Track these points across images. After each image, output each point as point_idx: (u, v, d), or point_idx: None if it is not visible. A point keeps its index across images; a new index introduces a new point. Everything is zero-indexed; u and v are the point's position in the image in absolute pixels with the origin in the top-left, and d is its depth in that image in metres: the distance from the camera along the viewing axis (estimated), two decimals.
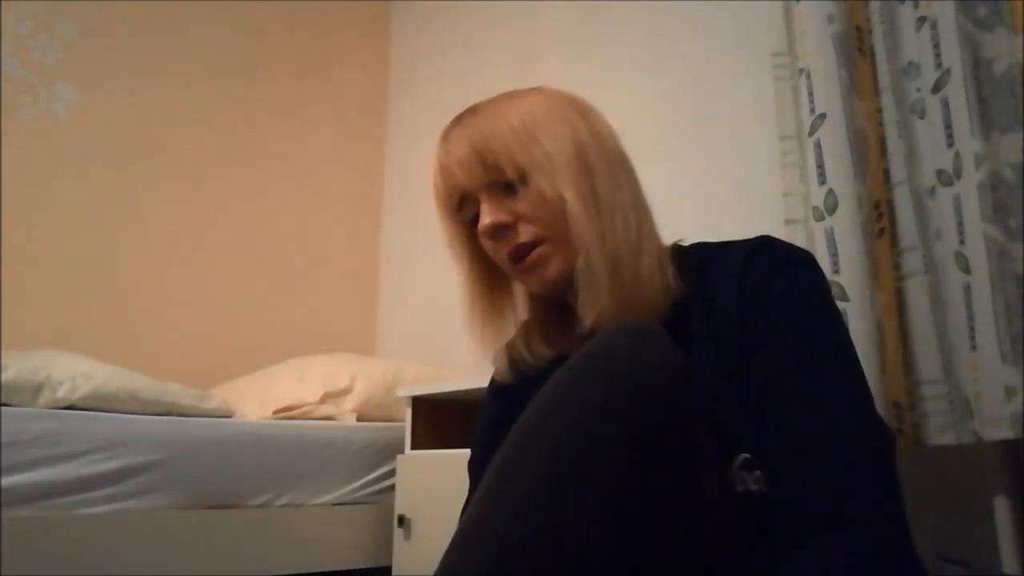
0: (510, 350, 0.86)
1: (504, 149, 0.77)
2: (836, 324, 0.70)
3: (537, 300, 0.86)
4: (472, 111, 0.82)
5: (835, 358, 0.67)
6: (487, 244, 0.80)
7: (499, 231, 0.77)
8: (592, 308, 0.73)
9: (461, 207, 0.81)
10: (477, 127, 0.79)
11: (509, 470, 0.57)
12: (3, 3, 2.22)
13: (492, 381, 0.91)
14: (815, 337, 0.67)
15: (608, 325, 0.65)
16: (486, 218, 0.77)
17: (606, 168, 0.79)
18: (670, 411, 0.58)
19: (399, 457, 1.77)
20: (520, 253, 0.77)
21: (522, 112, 0.79)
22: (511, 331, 0.87)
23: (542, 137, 0.77)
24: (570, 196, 0.75)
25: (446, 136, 0.82)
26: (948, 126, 1.05)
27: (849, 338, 0.70)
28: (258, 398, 1.94)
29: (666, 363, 0.60)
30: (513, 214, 0.77)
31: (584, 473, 0.55)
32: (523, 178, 0.77)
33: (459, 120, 0.82)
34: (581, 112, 0.83)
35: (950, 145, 1.05)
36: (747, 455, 0.66)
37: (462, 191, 0.80)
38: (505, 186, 0.77)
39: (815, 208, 1.17)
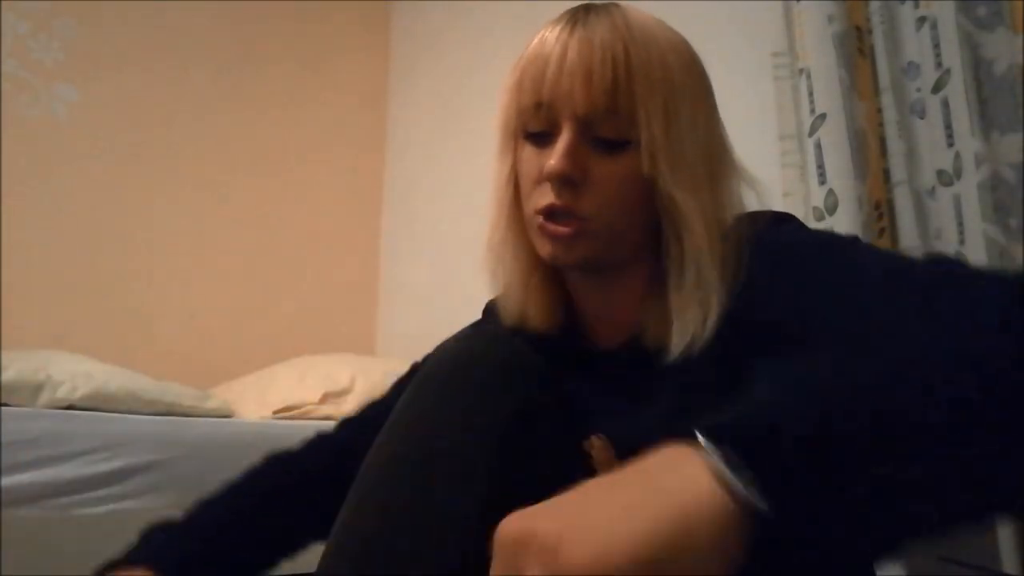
0: (509, 301, 0.74)
1: (641, 99, 0.63)
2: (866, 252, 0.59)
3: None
4: (627, 26, 0.65)
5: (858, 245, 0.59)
6: (530, 174, 0.67)
7: (562, 183, 0.64)
8: (684, 336, 0.62)
9: (537, 111, 0.66)
10: (627, 47, 0.64)
11: (384, 482, 0.59)
12: (3, 3, 2.22)
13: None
14: (819, 244, 0.60)
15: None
16: (560, 159, 0.63)
17: (734, 177, 0.69)
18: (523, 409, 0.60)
19: None
20: (556, 212, 0.64)
21: (673, 63, 0.66)
22: (526, 270, 0.73)
23: (680, 110, 0.65)
24: (686, 200, 0.63)
25: (594, 16, 0.66)
26: (948, 126, 1.05)
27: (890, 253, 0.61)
28: (258, 398, 1.94)
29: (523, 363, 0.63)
30: (587, 174, 0.64)
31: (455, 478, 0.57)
32: (632, 143, 0.64)
33: (609, 20, 0.65)
34: (711, 97, 0.70)
35: (950, 145, 1.05)
36: None
37: (553, 102, 0.65)
38: (602, 140, 0.64)
39: (815, 208, 1.17)
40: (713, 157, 0.68)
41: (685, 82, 0.66)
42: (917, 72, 1.12)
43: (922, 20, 1.10)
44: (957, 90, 1.03)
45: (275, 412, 1.87)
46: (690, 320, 0.62)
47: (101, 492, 1.46)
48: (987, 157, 1.00)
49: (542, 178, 0.65)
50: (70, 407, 1.53)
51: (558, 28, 0.66)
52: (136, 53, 2.44)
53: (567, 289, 0.74)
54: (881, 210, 1.14)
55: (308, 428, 1.92)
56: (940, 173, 1.07)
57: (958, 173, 1.03)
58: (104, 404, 1.57)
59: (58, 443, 1.44)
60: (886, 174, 1.15)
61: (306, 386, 1.94)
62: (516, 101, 0.68)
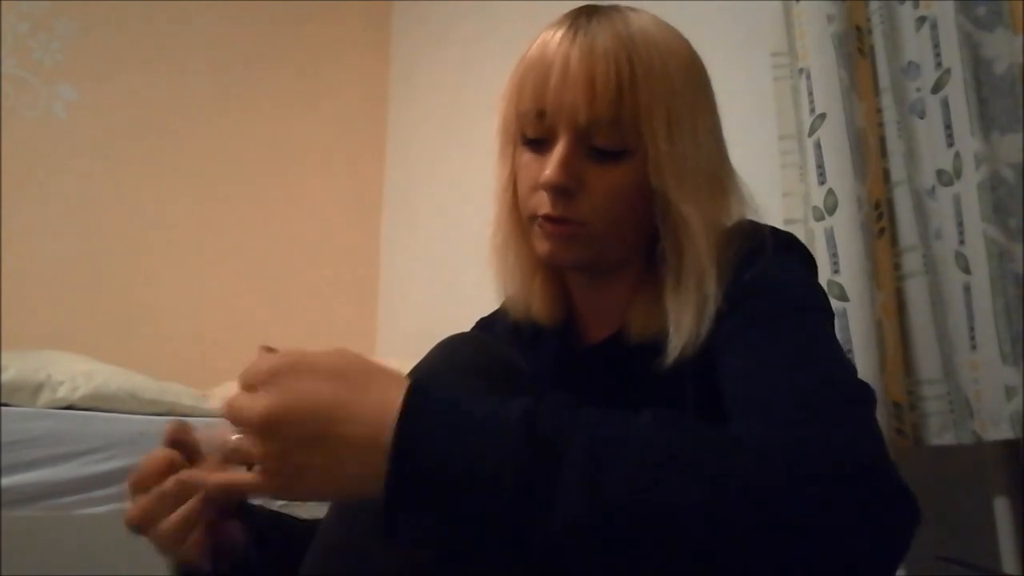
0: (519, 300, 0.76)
1: (645, 110, 0.63)
2: (809, 286, 0.65)
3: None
4: (629, 33, 0.65)
5: (808, 314, 0.60)
6: (528, 180, 0.68)
7: (557, 193, 0.65)
8: (680, 340, 0.63)
9: (537, 118, 0.66)
10: (631, 55, 0.63)
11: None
12: (3, 3, 2.22)
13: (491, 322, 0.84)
14: (784, 293, 0.62)
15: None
16: (555, 170, 0.64)
17: (733, 189, 0.70)
18: None
19: None
20: (554, 218, 0.65)
21: (675, 70, 0.65)
22: (529, 269, 0.75)
23: (683, 119, 0.65)
24: (691, 213, 0.64)
25: (596, 23, 0.65)
26: (948, 126, 1.05)
27: (826, 304, 0.65)
28: None
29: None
30: (582, 183, 0.65)
31: None
32: (630, 152, 0.65)
33: (611, 26, 0.65)
34: (712, 101, 0.70)
35: (950, 145, 1.04)
36: None
37: (554, 111, 0.65)
38: (600, 150, 0.65)
39: (815, 208, 1.16)
40: (714, 165, 0.68)
41: (687, 89, 0.66)
42: (917, 72, 1.12)
43: (922, 20, 1.09)
44: (957, 90, 1.03)
45: None
46: (686, 326, 0.63)
47: (101, 492, 1.46)
48: (987, 157, 0.99)
49: (538, 186, 0.66)
50: (70, 407, 1.53)
51: (559, 34, 0.66)
52: (136, 53, 2.44)
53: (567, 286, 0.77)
54: (881, 210, 1.14)
55: None
56: (940, 173, 1.06)
57: (958, 173, 1.03)
58: (104, 404, 1.57)
59: (58, 443, 1.44)
60: (886, 174, 1.15)
61: None
62: (516, 107, 0.68)
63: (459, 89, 2.53)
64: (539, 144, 0.67)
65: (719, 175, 0.69)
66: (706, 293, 0.63)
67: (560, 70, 0.64)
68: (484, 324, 0.86)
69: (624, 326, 0.70)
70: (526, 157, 0.68)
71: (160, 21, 2.49)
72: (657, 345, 0.65)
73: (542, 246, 0.68)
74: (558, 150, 0.64)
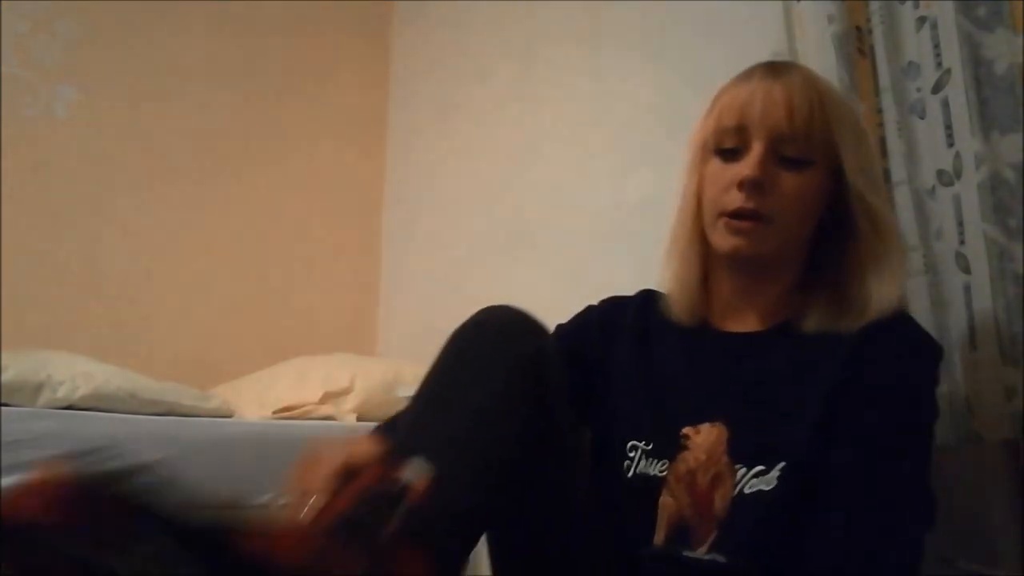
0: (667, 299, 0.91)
1: (836, 127, 0.81)
2: (924, 425, 0.79)
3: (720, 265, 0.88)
4: (816, 79, 0.85)
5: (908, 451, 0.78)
6: (719, 183, 0.82)
7: (753, 187, 0.78)
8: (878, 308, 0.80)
9: (736, 132, 0.82)
10: (821, 94, 0.82)
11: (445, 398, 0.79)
12: (3, 3, 2.22)
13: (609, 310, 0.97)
14: (898, 430, 0.77)
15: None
16: (754, 167, 0.78)
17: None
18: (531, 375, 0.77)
19: None
20: (742, 213, 0.79)
21: (855, 115, 0.89)
22: (699, 272, 0.88)
23: (864, 146, 0.86)
24: (887, 215, 0.84)
25: (786, 71, 0.84)
26: (948, 126, 1.05)
27: (927, 439, 0.79)
28: (258, 398, 1.94)
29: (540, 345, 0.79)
30: (773, 183, 0.79)
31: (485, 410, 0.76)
32: (815, 163, 0.80)
33: (800, 73, 0.84)
34: None
35: (950, 145, 1.05)
36: (763, 467, 0.77)
37: (755, 124, 0.80)
38: (789, 159, 0.80)
39: None
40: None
41: (863, 130, 0.88)
42: (917, 72, 1.12)
43: (922, 20, 1.10)
44: (957, 90, 1.03)
45: (275, 412, 1.86)
46: (888, 292, 0.79)
47: None
48: (987, 157, 1.00)
49: (732, 185, 0.80)
50: (70, 407, 1.53)
51: (755, 75, 0.83)
52: (137, 54, 2.44)
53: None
54: None
55: (308, 428, 1.93)
56: (940, 173, 1.07)
57: (958, 173, 1.03)
58: (104, 404, 1.57)
59: (58, 443, 1.44)
60: (886, 174, 1.15)
61: (306, 386, 1.94)
62: (716, 122, 0.83)
63: (459, 90, 2.53)
64: (731, 154, 0.81)
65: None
66: (900, 272, 0.81)
67: (763, 94, 0.80)
68: (616, 301, 0.98)
69: (792, 320, 0.83)
70: (717, 167, 0.83)
71: (160, 22, 2.49)
72: (825, 338, 0.79)
73: (727, 241, 0.81)
74: (755, 152, 0.79)
